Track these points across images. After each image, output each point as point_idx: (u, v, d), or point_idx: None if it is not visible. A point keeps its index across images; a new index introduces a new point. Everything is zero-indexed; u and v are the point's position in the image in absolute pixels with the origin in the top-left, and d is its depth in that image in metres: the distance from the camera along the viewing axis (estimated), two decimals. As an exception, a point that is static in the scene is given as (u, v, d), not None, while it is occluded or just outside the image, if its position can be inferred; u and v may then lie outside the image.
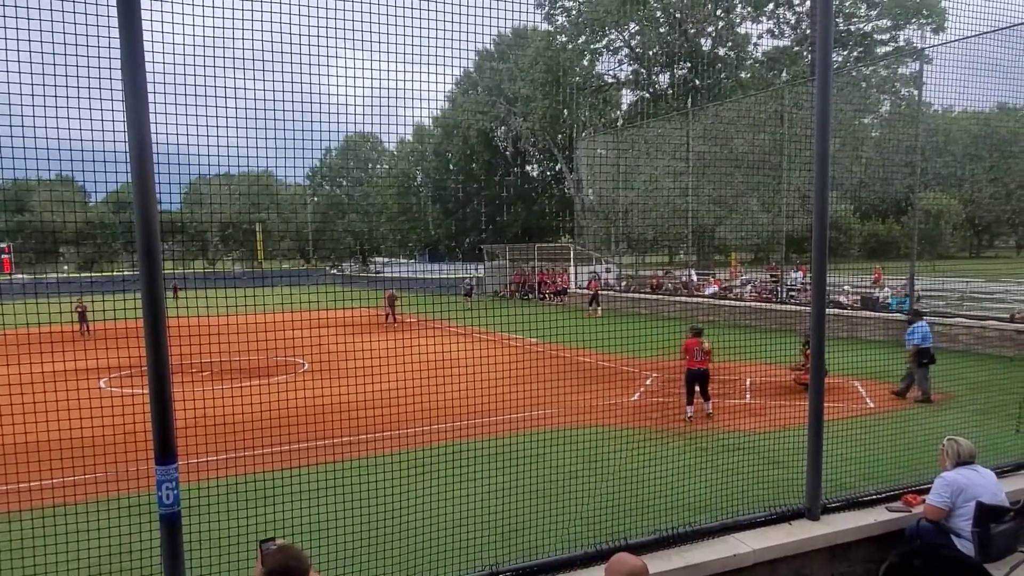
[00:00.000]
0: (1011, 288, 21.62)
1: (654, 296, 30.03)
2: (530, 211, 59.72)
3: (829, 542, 5.33)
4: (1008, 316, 18.52)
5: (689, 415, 12.36)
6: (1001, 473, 6.24)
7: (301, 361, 18.74)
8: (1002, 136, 24.71)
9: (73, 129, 3.78)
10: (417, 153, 64.70)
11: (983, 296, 21.70)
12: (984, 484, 5.33)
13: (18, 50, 3.56)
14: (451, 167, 61.79)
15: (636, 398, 13.89)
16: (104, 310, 5.09)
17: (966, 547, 5.16)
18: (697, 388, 12.46)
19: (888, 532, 5.49)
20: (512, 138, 57.69)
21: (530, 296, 40.13)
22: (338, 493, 6.09)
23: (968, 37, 9.43)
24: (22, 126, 3.72)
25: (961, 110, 23.62)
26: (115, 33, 3.51)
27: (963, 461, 5.44)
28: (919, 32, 38.65)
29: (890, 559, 4.44)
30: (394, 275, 45.79)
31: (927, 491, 5.55)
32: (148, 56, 3.56)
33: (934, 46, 22.09)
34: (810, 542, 5.24)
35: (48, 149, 3.81)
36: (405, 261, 64.74)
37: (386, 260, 66.67)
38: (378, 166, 75.61)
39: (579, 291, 35.55)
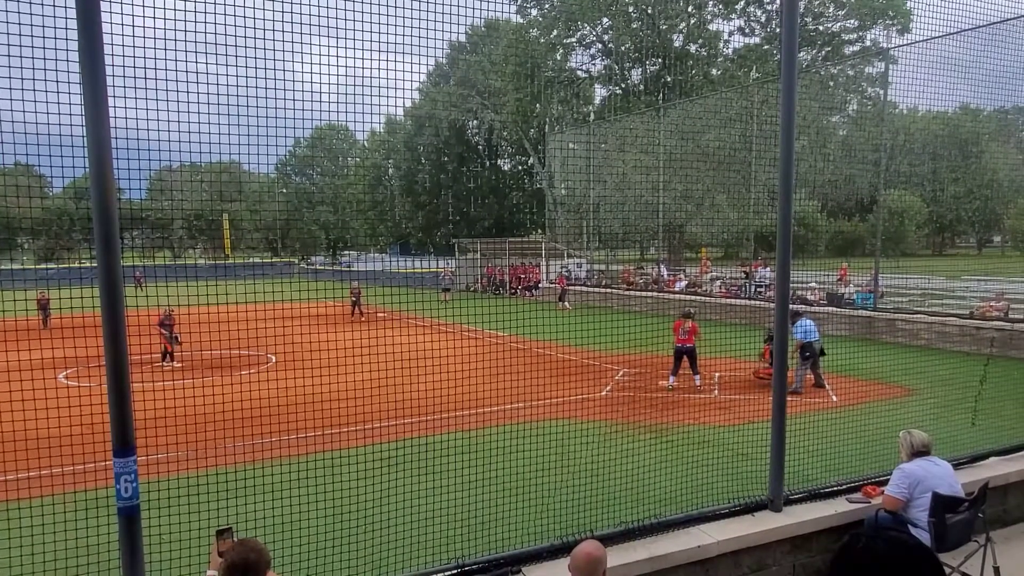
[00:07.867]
0: (971, 285, 22.13)
1: (625, 291, 30.18)
2: (502, 205, 59.65)
3: (791, 533, 5.41)
4: (968, 313, 18.97)
5: (671, 385, 14.04)
6: (958, 465, 6.40)
7: (265, 354, 18.52)
8: (963, 136, 25.23)
9: (29, 112, 3.67)
10: (388, 145, 64.24)
11: (944, 293, 22.18)
12: (941, 475, 5.44)
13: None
14: (422, 160, 61.37)
15: (606, 392, 13.96)
16: (60, 298, 4.96)
17: (923, 537, 5.26)
18: (687, 361, 14.09)
19: (848, 523, 5.60)
20: (484, 131, 57.55)
21: (501, 291, 40.07)
22: (302, 488, 6.04)
23: (933, 38, 9.63)
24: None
25: (926, 110, 24.08)
26: (72, 14, 3.41)
27: (917, 452, 5.56)
28: (885, 33, 39.34)
29: (842, 541, 4.61)
30: (363, 270, 45.53)
31: (886, 482, 5.66)
32: (107, 38, 3.46)
33: (899, 46, 22.44)
34: (772, 533, 5.32)
35: (2, 132, 3.69)
36: (376, 255, 64.26)
37: (357, 254, 66.17)
38: (349, 158, 74.93)
39: (549, 286, 35.63)
